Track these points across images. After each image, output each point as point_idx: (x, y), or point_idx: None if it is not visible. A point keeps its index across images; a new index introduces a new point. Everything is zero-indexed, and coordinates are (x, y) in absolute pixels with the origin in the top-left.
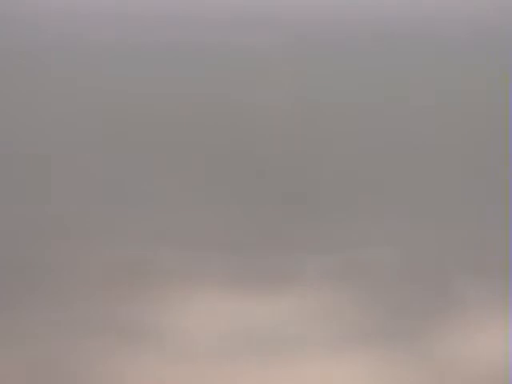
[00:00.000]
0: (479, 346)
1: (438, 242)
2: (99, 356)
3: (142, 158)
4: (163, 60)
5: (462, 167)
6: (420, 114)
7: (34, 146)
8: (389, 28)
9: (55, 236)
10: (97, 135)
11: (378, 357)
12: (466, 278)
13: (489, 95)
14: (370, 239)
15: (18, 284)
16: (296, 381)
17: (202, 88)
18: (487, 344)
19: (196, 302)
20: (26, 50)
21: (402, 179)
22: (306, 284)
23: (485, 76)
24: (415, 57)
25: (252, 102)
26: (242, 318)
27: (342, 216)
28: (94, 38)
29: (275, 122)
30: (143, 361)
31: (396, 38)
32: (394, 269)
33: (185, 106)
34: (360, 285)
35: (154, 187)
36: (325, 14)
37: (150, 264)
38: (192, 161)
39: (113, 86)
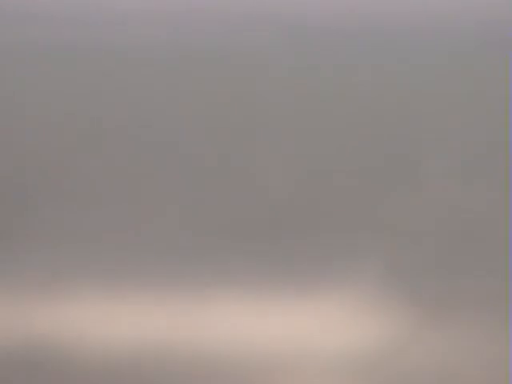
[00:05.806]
0: None
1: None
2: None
3: (136, 158)
4: (163, 58)
5: (461, 170)
6: (419, 115)
7: (33, 145)
8: (389, 27)
9: None
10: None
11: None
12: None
13: (489, 95)
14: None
15: None
16: None
17: (202, 87)
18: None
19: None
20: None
21: (401, 182)
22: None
23: (485, 76)
24: (415, 56)
25: (252, 101)
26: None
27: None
28: (93, 37)
29: (274, 122)
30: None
31: (397, 37)
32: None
33: (184, 105)
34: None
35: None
36: (325, 10)
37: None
38: (184, 161)
39: (114, 84)
